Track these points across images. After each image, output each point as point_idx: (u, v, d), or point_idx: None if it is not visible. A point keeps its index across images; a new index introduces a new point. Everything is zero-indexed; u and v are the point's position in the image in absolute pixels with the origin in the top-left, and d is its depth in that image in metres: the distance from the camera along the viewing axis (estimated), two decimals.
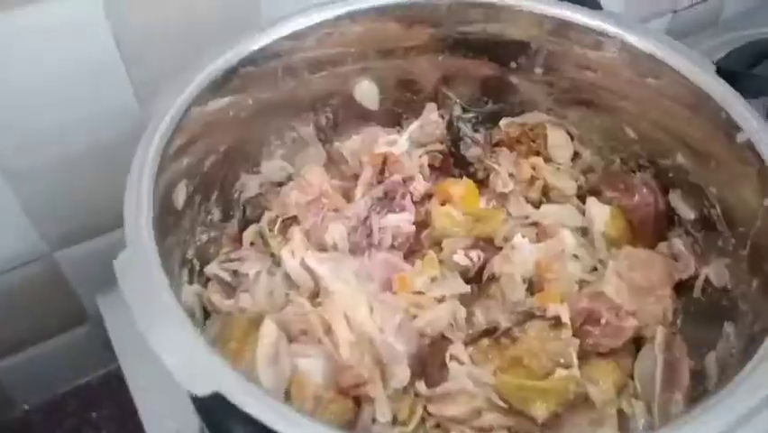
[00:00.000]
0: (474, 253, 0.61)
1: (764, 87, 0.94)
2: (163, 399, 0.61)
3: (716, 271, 0.54)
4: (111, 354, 0.66)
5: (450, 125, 0.64)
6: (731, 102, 0.52)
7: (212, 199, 0.60)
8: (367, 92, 0.68)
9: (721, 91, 0.52)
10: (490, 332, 0.51)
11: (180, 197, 0.51)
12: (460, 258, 0.60)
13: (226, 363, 0.36)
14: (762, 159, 0.48)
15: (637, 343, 0.55)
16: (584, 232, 0.62)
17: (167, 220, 0.48)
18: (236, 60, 0.53)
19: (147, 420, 0.62)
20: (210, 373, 0.35)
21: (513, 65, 0.65)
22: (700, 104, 0.54)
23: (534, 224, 0.62)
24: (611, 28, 0.58)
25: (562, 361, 0.48)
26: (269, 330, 0.52)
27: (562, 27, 0.59)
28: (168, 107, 0.48)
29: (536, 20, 0.60)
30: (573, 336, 0.51)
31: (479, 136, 0.63)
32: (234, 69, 0.53)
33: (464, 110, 0.64)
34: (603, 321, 0.51)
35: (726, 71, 0.93)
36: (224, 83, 0.53)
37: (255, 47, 0.54)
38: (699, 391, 0.51)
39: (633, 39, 0.57)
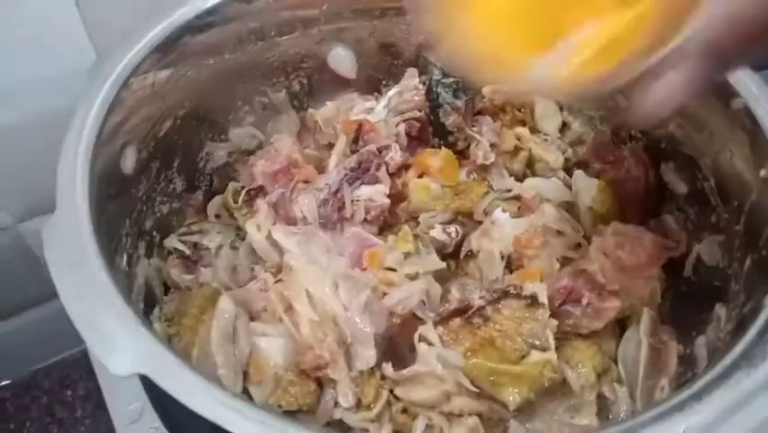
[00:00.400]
0: (452, 228, 0.57)
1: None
2: (128, 379, 0.58)
3: (708, 249, 0.51)
4: None
5: (429, 91, 0.60)
6: None
7: (173, 168, 0.57)
8: (342, 59, 0.65)
9: None
10: (462, 311, 0.47)
11: (129, 162, 0.48)
12: (437, 233, 0.57)
13: (153, 342, 0.33)
14: (758, 125, 0.44)
15: (622, 325, 0.52)
16: (570, 207, 0.58)
17: (111, 187, 0.45)
18: (189, 18, 0.49)
19: (110, 400, 0.59)
20: (133, 353, 0.32)
21: None
22: None
23: (517, 197, 0.58)
24: None
25: (537, 343, 0.45)
26: (225, 306, 0.49)
27: None
28: (113, 67, 0.45)
29: None
30: (552, 316, 0.47)
31: (459, 103, 0.59)
32: (188, 28, 0.50)
33: (444, 75, 0.60)
34: (584, 301, 0.48)
35: None
36: (177, 43, 0.50)
37: (211, 4, 0.50)
38: (687, 378, 0.48)
39: None
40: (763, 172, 0.43)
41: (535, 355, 0.45)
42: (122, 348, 0.32)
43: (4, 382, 0.82)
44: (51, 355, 0.84)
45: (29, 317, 0.79)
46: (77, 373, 0.84)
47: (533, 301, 0.46)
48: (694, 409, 0.32)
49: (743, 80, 0.47)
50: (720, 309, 0.46)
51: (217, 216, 0.60)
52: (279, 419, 0.32)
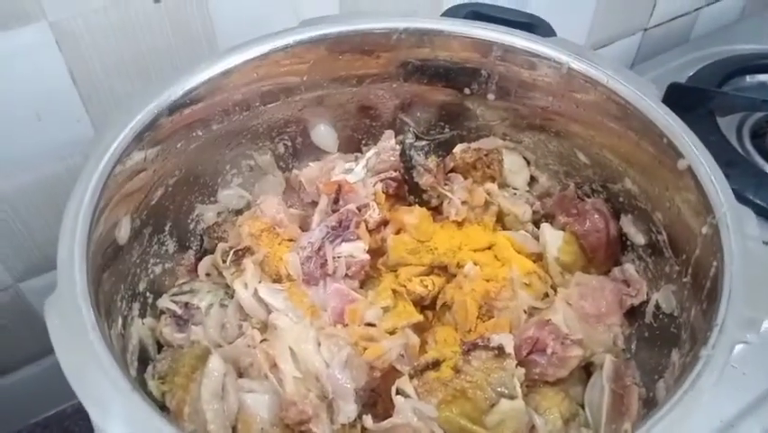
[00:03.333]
0: (429, 281, 0.61)
1: (735, 105, 0.96)
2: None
3: (665, 297, 0.54)
4: None
5: (403, 153, 0.64)
6: (673, 128, 0.52)
7: (165, 231, 0.60)
8: (324, 136, 0.69)
9: (663, 116, 0.52)
10: (436, 364, 0.50)
11: (123, 233, 0.51)
12: (414, 286, 0.60)
13: (145, 406, 0.36)
14: (701, 186, 0.48)
15: (589, 371, 0.55)
16: (538, 257, 0.62)
17: (106, 258, 0.48)
18: (177, 97, 0.53)
19: None
20: (126, 416, 0.35)
21: (467, 91, 0.66)
22: (644, 129, 0.54)
23: (490, 248, 0.62)
24: (557, 54, 0.58)
25: (506, 391, 0.48)
26: (215, 365, 0.52)
27: (509, 53, 0.60)
28: (106, 147, 0.48)
29: (484, 46, 0.60)
30: (520, 365, 0.50)
31: (431, 164, 0.63)
32: (176, 106, 0.53)
33: (417, 138, 0.64)
34: (549, 350, 0.51)
35: (694, 89, 0.95)
36: (166, 120, 0.53)
37: (197, 82, 0.54)
38: None
39: (578, 65, 0.57)
40: (704, 229, 0.47)
41: (505, 404, 0.48)
42: (116, 415, 0.35)
43: None
44: (50, 408, 0.86)
45: (27, 372, 0.81)
46: (76, 425, 0.85)
47: (500, 352, 0.49)
48: None
49: (685, 141, 0.51)
50: (675, 355, 0.49)
51: (207, 275, 0.63)
52: None
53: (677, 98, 0.90)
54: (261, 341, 0.53)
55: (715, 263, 0.44)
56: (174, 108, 0.53)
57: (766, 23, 1.14)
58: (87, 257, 0.43)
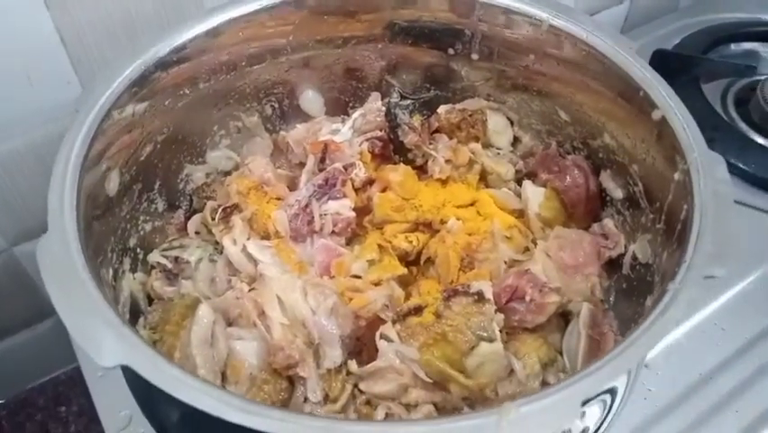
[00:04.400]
0: (414, 237, 0.62)
1: (719, 71, 0.97)
2: (118, 389, 0.62)
3: (641, 248, 0.56)
4: None
5: (388, 113, 0.65)
6: (649, 81, 0.53)
7: (155, 189, 0.61)
8: (311, 101, 0.71)
9: (640, 70, 0.54)
10: (418, 309, 0.52)
11: (113, 185, 0.53)
12: (399, 242, 0.61)
13: (136, 338, 0.37)
14: (674, 133, 0.49)
15: (567, 320, 0.57)
16: (520, 214, 0.63)
17: (96, 208, 0.50)
18: (164, 54, 0.54)
19: (101, 409, 0.63)
20: (118, 347, 0.36)
21: (451, 51, 0.67)
22: (622, 83, 0.55)
23: (473, 204, 0.63)
24: (537, 11, 0.59)
25: (485, 335, 0.50)
26: (204, 313, 0.53)
27: (491, 12, 0.61)
28: (95, 100, 0.50)
29: (466, 5, 0.61)
30: (500, 312, 0.52)
31: (415, 123, 0.64)
32: (163, 63, 0.54)
33: (402, 97, 0.65)
34: (527, 298, 0.53)
35: (680, 55, 0.96)
36: (153, 77, 0.54)
37: (183, 41, 0.55)
38: None
39: (558, 21, 0.58)
40: (676, 175, 0.49)
41: (484, 346, 0.50)
42: (109, 345, 0.36)
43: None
44: (45, 373, 0.87)
45: (23, 336, 0.83)
46: (70, 391, 0.86)
47: (479, 298, 0.51)
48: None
49: (659, 93, 0.52)
50: (649, 301, 0.51)
51: (197, 233, 0.64)
52: (258, 404, 0.36)
53: (662, 65, 0.90)
54: (249, 290, 0.54)
55: (685, 207, 0.46)
56: (160, 65, 0.54)
57: None
58: (78, 204, 0.44)
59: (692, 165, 0.47)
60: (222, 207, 0.61)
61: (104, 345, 0.36)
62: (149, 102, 0.55)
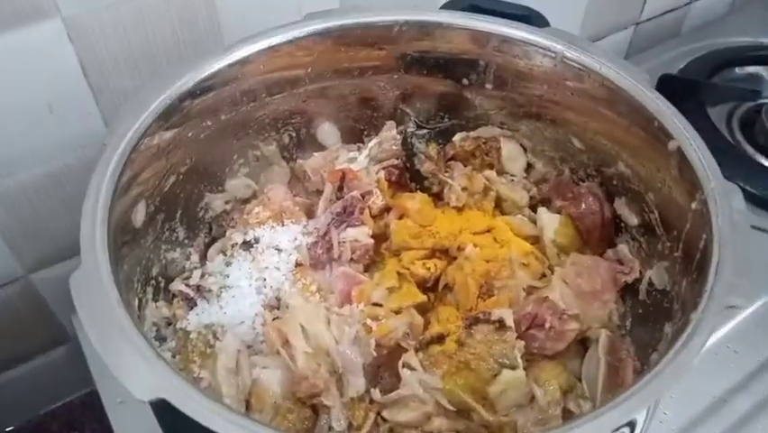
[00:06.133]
0: (431, 263, 0.63)
1: (725, 95, 0.98)
2: (137, 415, 0.62)
3: (657, 274, 0.56)
4: None
5: (404, 142, 0.66)
6: (663, 111, 0.54)
7: (176, 218, 0.62)
8: (328, 134, 0.72)
9: (653, 101, 0.55)
10: (440, 338, 0.53)
11: (139, 216, 0.54)
12: (417, 269, 0.62)
13: (171, 372, 0.38)
14: (690, 164, 0.51)
15: (586, 346, 0.57)
16: (536, 240, 0.64)
17: (124, 239, 0.51)
18: (189, 87, 0.55)
19: None
20: (155, 381, 0.37)
21: (465, 81, 0.68)
22: (636, 114, 0.56)
23: (489, 231, 0.64)
24: (551, 43, 0.60)
25: (507, 362, 0.50)
26: (229, 341, 0.54)
27: (506, 44, 0.62)
28: (123, 133, 0.51)
29: (482, 37, 0.63)
30: (520, 339, 0.53)
31: (431, 152, 0.66)
32: (188, 95, 0.56)
33: (418, 126, 0.66)
34: (547, 325, 0.54)
35: (685, 80, 0.97)
36: (178, 109, 0.55)
37: (208, 73, 0.56)
38: None
39: (572, 54, 0.60)
40: (694, 205, 0.50)
41: (507, 374, 0.51)
42: (144, 378, 0.37)
43: (15, 426, 0.85)
44: (59, 399, 0.87)
45: (37, 362, 0.83)
46: (84, 415, 0.87)
47: (501, 325, 0.51)
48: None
49: (674, 123, 0.54)
50: (668, 328, 0.52)
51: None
52: None
53: (669, 89, 0.91)
54: (273, 319, 0.55)
55: (704, 236, 0.47)
56: (186, 97, 0.55)
57: (755, 17, 1.17)
58: (109, 238, 0.45)
59: (709, 195, 0.48)
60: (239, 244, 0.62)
61: (141, 379, 0.37)
62: (174, 132, 0.56)
